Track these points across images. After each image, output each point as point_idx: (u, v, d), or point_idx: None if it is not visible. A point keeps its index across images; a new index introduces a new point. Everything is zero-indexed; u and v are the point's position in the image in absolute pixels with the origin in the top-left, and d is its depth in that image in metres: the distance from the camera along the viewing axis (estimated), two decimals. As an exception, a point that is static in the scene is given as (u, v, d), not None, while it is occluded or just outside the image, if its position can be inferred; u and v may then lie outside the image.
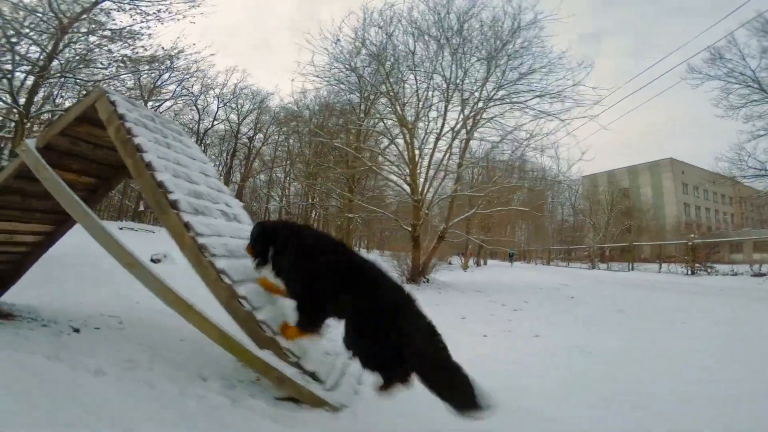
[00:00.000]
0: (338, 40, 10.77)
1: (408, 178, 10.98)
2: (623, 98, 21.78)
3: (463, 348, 4.09)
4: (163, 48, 8.39)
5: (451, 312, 6.49)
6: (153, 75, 8.46)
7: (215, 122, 31.95)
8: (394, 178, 11.64)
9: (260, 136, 33.81)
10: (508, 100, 10.40)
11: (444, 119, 10.79)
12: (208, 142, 33.30)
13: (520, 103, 10.29)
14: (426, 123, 11.12)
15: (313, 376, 2.21)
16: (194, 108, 29.50)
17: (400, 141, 11.64)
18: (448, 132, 10.98)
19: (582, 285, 11.01)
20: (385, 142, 13.06)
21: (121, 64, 8.15)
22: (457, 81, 10.49)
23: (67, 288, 4.63)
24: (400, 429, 2.19)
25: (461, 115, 10.64)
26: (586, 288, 10.33)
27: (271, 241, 2.51)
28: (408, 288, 2.38)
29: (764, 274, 12.40)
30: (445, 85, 10.68)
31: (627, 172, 39.61)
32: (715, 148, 34.05)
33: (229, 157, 34.08)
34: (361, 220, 18.33)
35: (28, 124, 8.73)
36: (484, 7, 10.30)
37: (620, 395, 2.91)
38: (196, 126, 29.83)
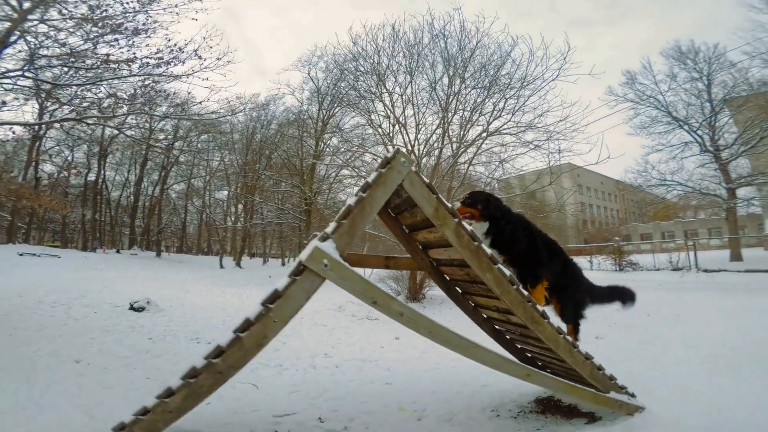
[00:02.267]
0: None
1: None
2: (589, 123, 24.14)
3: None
4: (180, 48, 6.69)
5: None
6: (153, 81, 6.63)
7: (123, 127, 27.59)
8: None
9: (179, 143, 29.97)
10: (509, 132, 10.88)
11: (441, 146, 10.82)
12: (110, 150, 28.41)
13: (515, 136, 10.87)
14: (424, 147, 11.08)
15: (629, 393, 2.83)
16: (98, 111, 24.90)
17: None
18: (450, 157, 11.11)
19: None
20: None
21: (107, 64, 6.28)
22: (458, 108, 10.68)
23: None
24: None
25: (459, 144, 10.85)
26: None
27: (505, 215, 2.80)
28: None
29: (681, 268, 14.81)
30: (443, 113, 10.72)
31: (534, 174, 44.91)
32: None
33: (139, 168, 29.55)
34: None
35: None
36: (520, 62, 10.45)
37: None
38: (98, 133, 25.20)
